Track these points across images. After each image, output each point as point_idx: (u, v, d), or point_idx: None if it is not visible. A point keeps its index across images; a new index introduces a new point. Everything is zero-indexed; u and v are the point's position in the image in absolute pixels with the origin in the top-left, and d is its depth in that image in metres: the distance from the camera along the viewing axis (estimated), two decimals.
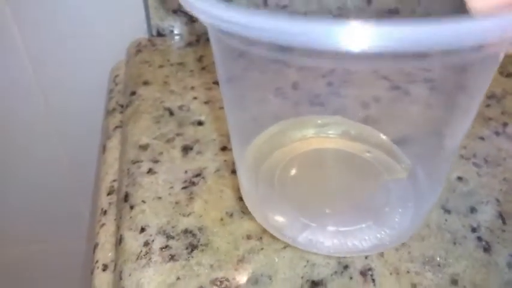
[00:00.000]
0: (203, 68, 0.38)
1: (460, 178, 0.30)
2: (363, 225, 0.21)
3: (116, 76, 0.42)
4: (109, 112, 0.38)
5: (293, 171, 0.25)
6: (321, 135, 0.27)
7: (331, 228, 0.22)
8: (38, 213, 0.51)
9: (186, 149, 0.31)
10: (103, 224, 0.29)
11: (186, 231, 0.26)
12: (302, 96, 0.36)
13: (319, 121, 0.27)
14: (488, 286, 0.24)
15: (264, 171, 0.25)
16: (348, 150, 0.26)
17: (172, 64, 0.38)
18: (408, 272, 0.25)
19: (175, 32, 0.42)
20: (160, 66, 0.38)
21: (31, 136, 0.45)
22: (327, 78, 0.38)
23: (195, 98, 0.35)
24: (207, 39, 0.42)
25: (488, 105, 0.36)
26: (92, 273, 0.27)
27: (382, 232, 0.22)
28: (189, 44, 0.41)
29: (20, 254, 0.55)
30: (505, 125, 0.35)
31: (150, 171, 0.29)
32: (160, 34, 0.42)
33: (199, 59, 0.39)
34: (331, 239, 0.21)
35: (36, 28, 0.40)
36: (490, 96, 0.37)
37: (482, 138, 0.33)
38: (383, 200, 0.23)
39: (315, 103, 0.35)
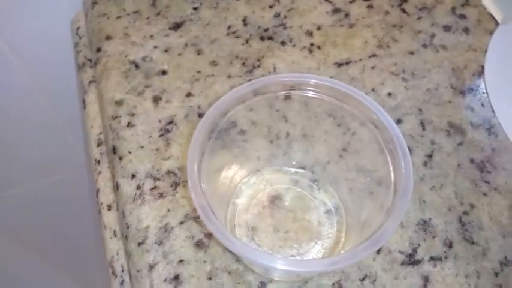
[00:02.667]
0: (158, 14, 0.41)
1: (389, 94, 0.36)
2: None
3: (78, 28, 0.44)
4: (80, 67, 0.41)
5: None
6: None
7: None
8: (33, 155, 0.57)
9: (156, 100, 0.35)
10: (99, 172, 0.35)
11: (168, 172, 0.32)
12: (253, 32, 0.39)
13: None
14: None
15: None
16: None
17: (128, 13, 0.41)
18: (345, 179, 0.32)
19: None
20: (118, 17, 0.40)
21: (11, 92, 0.48)
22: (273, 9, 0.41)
23: (155, 47, 0.38)
24: None
25: (419, 18, 0.40)
26: (99, 212, 0.34)
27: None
28: None
29: (34, 188, 0.61)
30: (433, 36, 0.39)
31: (129, 124, 0.34)
32: None
33: (153, 4, 0.41)
34: None
35: None
36: (422, 8, 0.41)
37: (411, 53, 0.38)
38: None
39: (265, 37, 0.39)
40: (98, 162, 0.36)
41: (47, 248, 0.69)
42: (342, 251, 0.28)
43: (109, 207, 0.33)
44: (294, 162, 0.33)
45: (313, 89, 0.28)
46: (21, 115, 0.51)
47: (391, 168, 0.27)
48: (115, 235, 0.32)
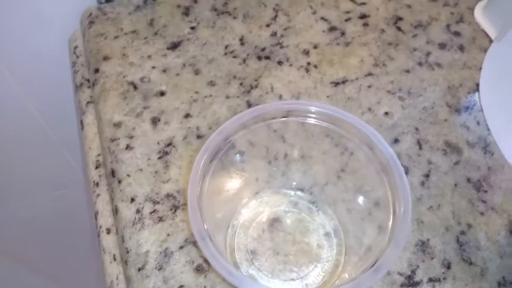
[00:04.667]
0: (156, 33, 0.41)
1: (386, 113, 0.36)
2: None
3: (75, 48, 0.44)
4: (78, 87, 0.41)
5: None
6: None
7: None
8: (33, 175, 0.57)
9: (155, 121, 0.35)
10: (98, 195, 0.35)
11: (168, 196, 0.32)
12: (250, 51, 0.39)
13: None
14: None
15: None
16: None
17: (126, 33, 0.41)
18: (343, 200, 0.32)
19: None
20: (116, 37, 0.41)
21: (8, 111, 0.48)
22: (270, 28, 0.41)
23: (153, 67, 0.39)
24: (154, 0, 0.43)
25: (414, 36, 0.41)
26: (98, 236, 0.34)
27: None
28: (138, 8, 0.43)
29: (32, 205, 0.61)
30: (428, 54, 0.40)
31: (127, 147, 0.34)
32: (108, 0, 0.43)
33: (151, 23, 0.42)
34: None
35: None
36: (417, 25, 0.42)
37: (407, 71, 0.39)
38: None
39: (262, 57, 0.39)
40: (97, 184, 0.36)
41: (45, 267, 0.69)
42: (345, 275, 0.28)
43: (108, 231, 0.33)
44: (292, 184, 0.33)
45: (308, 114, 0.29)
46: (19, 133, 0.51)
47: (388, 189, 0.28)
48: (114, 259, 0.32)
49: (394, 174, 0.26)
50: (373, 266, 0.23)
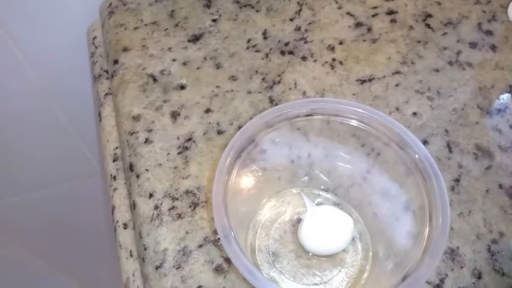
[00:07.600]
0: (176, 25, 0.40)
1: (415, 113, 0.35)
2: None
3: (94, 38, 0.43)
4: (96, 78, 0.41)
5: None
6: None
7: None
8: (47, 162, 0.56)
9: (175, 115, 0.34)
10: (115, 189, 0.34)
11: (187, 192, 0.31)
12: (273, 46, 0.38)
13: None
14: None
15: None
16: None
17: (146, 24, 0.40)
18: (370, 203, 0.30)
19: None
20: (136, 28, 0.40)
21: (26, 102, 0.48)
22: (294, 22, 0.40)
23: (173, 60, 0.38)
24: None
25: (444, 34, 0.39)
26: (115, 230, 0.33)
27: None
28: None
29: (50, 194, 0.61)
30: (458, 53, 0.38)
31: (146, 141, 0.33)
32: None
33: (171, 15, 0.41)
34: None
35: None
36: (447, 23, 0.40)
37: (437, 70, 0.37)
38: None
39: (285, 52, 0.38)
40: (114, 178, 0.35)
41: (58, 258, 0.68)
42: (371, 282, 0.27)
43: (125, 226, 0.32)
44: (315, 184, 0.32)
45: (334, 112, 0.28)
46: (35, 123, 0.51)
47: (423, 193, 0.26)
48: (131, 255, 0.31)
49: (430, 177, 0.25)
50: (404, 276, 0.22)
